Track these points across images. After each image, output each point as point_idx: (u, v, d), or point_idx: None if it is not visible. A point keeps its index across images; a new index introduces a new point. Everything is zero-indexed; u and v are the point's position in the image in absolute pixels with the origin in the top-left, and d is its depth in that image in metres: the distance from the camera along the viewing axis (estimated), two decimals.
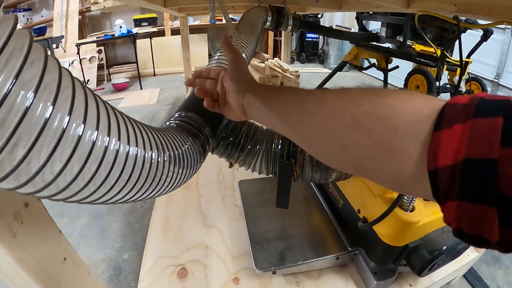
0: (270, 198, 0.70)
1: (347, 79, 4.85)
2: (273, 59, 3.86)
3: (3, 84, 0.25)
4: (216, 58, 0.88)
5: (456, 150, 0.27)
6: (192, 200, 1.18)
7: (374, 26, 3.19)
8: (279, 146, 0.67)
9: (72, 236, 1.69)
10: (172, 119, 0.60)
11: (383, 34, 2.76)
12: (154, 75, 5.38)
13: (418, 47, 2.48)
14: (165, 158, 0.44)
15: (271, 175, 0.72)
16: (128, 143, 0.37)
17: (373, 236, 0.76)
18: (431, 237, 0.74)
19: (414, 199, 0.68)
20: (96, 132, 0.32)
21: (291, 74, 2.72)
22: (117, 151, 0.35)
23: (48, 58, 0.29)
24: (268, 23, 1.64)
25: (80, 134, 0.30)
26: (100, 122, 0.33)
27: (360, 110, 0.34)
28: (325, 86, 3.41)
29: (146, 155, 0.40)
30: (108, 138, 0.33)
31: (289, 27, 1.77)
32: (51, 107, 0.28)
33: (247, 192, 1.14)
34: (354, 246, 0.88)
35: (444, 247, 0.72)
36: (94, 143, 0.32)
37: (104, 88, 4.81)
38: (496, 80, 3.26)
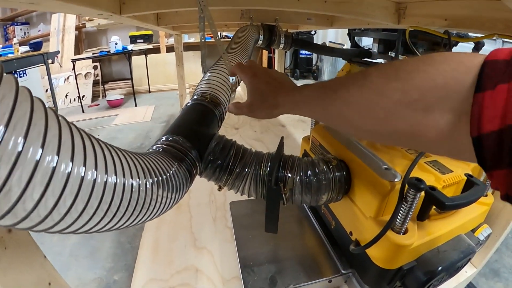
0: (262, 219, 0.69)
1: None
2: None
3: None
4: (206, 78, 0.88)
5: (502, 114, 0.25)
6: (183, 222, 1.16)
7: (367, 42, 3.23)
8: (268, 169, 0.66)
9: (62, 255, 1.66)
10: (159, 142, 0.59)
11: (375, 50, 2.80)
12: (149, 91, 5.40)
13: None
14: (150, 184, 0.43)
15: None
16: (106, 172, 0.36)
17: (366, 259, 0.75)
18: (426, 258, 0.72)
19: (408, 221, 0.67)
20: (71, 163, 0.31)
21: None
22: (94, 180, 0.34)
23: (19, 90, 0.28)
24: (260, 42, 1.65)
25: (54, 166, 0.29)
26: (75, 152, 0.32)
27: (390, 102, 0.35)
28: None
29: (126, 183, 0.39)
30: (84, 168, 0.32)
31: (281, 45, 1.78)
32: (22, 140, 0.27)
33: (238, 214, 1.12)
34: (347, 268, 0.87)
35: (440, 267, 0.70)
36: (69, 174, 0.30)
37: (99, 104, 4.82)
38: None
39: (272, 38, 1.70)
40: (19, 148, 0.26)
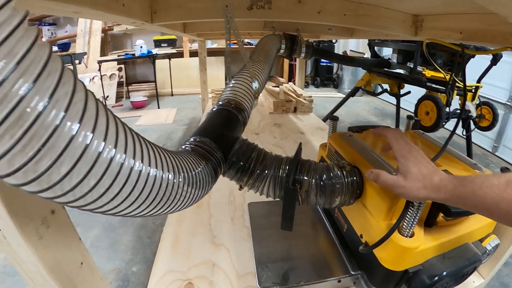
0: (278, 220, 0.74)
1: (361, 103, 4.90)
2: (287, 83, 3.93)
3: (37, 102, 0.27)
4: (231, 85, 0.94)
5: None
6: (203, 219, 1.22)
7: (387, 52, 3.25)
8: (286, 171, 0.72)
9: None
10: (187, 143, 0.65)
11: (394, 60, 2.82)
12: (172, 95, 5.51)
13: (429, 73, 2.53)
14: (180, 179, 0.49)
15: (278, 199, 0.77)
16: (149, 164, 0.41)
17: (374, 260, 0.79)
18: (432, 263, 0.76)
19: (414, 226, 0.71)
20: (125, 155, 0.36)
21: (305, 99, 2.78)
22: (140, 171, 0.39)
23: (77, 81, 0.33)
24: (282, 51, 1.70)
25: (112, 156, 0.34)
26: (127, 145, 0.37)
27: None
28: (338, 111, 3.46)
29: (163, 176, 0.44)
30: (133, 160, 0.38)
31: (302, 54, 1.83)
32: (77, 125, 0.31)
33: (256, 214, 1.18)
34: (356, 270, 0.91)
35: (445, 273, 0.74)
36: (122, 165, 0.36)
37: (122, 105, 4.95)
38: (509, 103, 3.25)
39: (294, 48, 1.75)
40: (57, 122, 0.29)
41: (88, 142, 0.32)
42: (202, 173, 0.57)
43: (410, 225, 0.71)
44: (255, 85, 0.95)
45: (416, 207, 0.66)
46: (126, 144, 0.37)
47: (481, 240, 0.85)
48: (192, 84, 5.57)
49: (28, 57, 0.27)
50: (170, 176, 0.46)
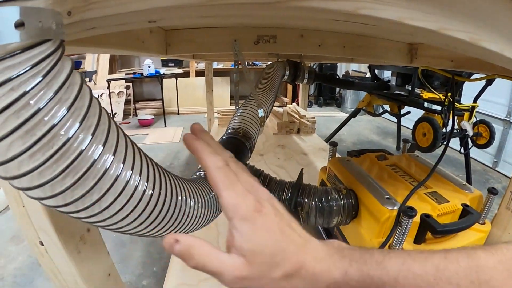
0: None
1: (363, 123, 4.98)
2: (291, 104, 4.02)
3: (69, 127, 0.30)
4: (238, 114, 1.03)
5: None
6: (211, 238, 1.30)
7: (388, 73, 3.34)
8: (288, 195, 0.81)
9: None
10: (201, 170, 0.74)
11: (394, 82, 2.91)
12: (178, 113, 5.59)
13: (426, 95, 2.62)
14: (198, 205, 0.57)
15: None
16: (172, 193, 0.46)
17: None
18: None
19: (402, 243, 0.80)
20: (146, 183, 0.40)
21: (308, 121, 2.87)
22: (158, 197, 0.42)
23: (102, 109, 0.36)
24: (286, 77, 1.79)
25: (136, 185, 0.38)
26: (142, 168, 0.41)
27: None
28: (341, 130, 3.55)
29: (187, 201, 0.50)
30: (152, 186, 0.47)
31: (305, 80, 1.91)
32: (101, 148, 0.33)
33: None
34: None
35: None
36: (144, 192, 0.39)
37: (130, 122, 5.05)
38: (508, 119, 3.30)
39: (297, 74, 1.83)
40: (70, 135, 0.30)
41: (127, 179, 0.37)
42: (215, 197, 0.65)
43: (399, 242, 0.79)
44: (261, 113, 1.04)
45: (403, 227, 0.75)
46: (148, 174, 0.43)
47: None
48: (198, 103, 5.68)
49: (77, 103, 0.31)
50: (191, 202, 0.54)
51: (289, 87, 6.19)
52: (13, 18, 0.26)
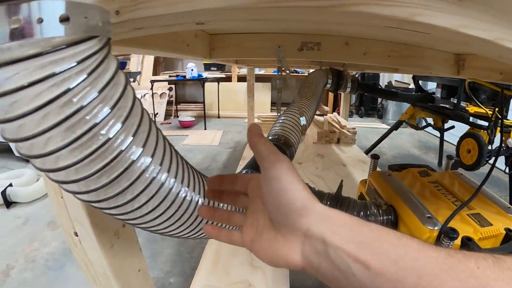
0: None
1: (404, 136, 4.84)
2: (332, 113, 3.97)
3: (110, 127, 0.30)
4: (280, 121, 1.02)
5: None
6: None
7: (432, 85, 3.23)
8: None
9: None
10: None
11: (438, 95, 2.80)
12: (218, 117, 5.66)
13: (472, 109, 2.50)
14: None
15: None
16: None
17: None
18: None
19: None
20: (181, 186, 0.41)
21: (349, 131, 2.82)
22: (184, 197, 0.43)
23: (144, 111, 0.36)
24: (328, 85, 1.77)
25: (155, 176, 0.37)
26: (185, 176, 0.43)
27: None
28: (381, 143, 3.47)
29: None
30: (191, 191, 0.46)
31: (348, 89, 1.88)
32: (147, 157, 0.34)
33: None
34: None
35: None
36: (184, 198, 0.42)
37: (170, 123, 5.16)
38: None
39: (340, 83, 1.80)
40: (111, 135, 0.30)
41: (163, 181, 0.38)
42: None
43: None
44: (303, 121, 1.03)
45: (446, 244, 0.71)
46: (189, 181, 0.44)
47: None
48: (238, 108, 5.71)
49: (120, 103, 0.31)
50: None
51: (330, 95, 6.12)
52: (58, 12, 0.26)
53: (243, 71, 5.78)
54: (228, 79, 5.98)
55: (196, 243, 1.96)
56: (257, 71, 5.61)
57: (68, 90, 0.27)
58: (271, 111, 5.71)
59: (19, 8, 0.24)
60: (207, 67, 5.98)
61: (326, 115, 3.39)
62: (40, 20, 0.25)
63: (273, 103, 5.92)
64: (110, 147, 0.31)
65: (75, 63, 0.27)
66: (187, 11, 0.34)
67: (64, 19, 0.27)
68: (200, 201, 0.45)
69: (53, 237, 2.02)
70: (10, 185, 2.37)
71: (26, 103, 0.26)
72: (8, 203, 2.33)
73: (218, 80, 5.47)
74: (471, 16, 0.35)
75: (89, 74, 0.28)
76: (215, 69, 6.00)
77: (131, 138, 0.32)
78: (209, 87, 5.51)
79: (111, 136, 0.30)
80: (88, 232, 0.58)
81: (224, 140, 4.21)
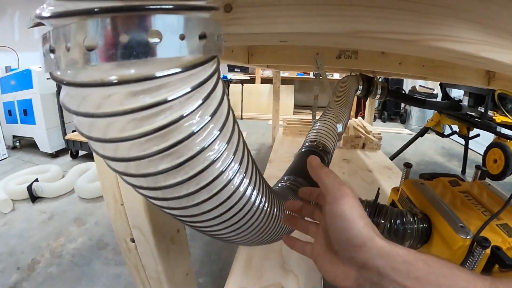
0: None
1: (428, 142, 4.78)
2: (356, 117, 3.96)
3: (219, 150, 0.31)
4: (316, 127, 1.04)
5: None
6: (275, 245, 1.31)
7: (457, 92, 3.20)
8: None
9: None
10: (282, 181, 0.77)
11: (465, 103, 2.78)
12: (242, 118, 5.68)
13: (499, 118, 2.48)
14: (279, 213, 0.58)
15: None
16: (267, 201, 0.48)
17: None
18: None
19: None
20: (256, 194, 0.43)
21: (374, 136, 2.82)
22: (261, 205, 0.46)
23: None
24: (359, 92, 1.78)
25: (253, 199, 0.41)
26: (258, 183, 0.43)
27: None
28: (406, 150, 3.45)
29: (270, 210, 0.52)
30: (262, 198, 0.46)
31: (378, 96, 1.87)
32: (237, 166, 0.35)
33: None
34: None
35: None
36: (249, 199, 0.41)
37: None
38: None
39: (370, 89, 1.80)
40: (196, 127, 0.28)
41: (249, 195, 0.39)
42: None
43: None
44: (340, 128, 1.05)
45: (476, 257, 0.73)
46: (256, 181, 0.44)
47: None
48: (261, 110, 5.75)
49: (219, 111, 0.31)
50: (279, 212, 0.56)
51: (354, 100, 6.07)
52: (198, 30, 0.25)
53: (267, 73, 5.80)
54: (252, 80, 6.01)
55: (224, 244, 1.98)
56: (281, 74, 5.63)
57: (182, 117, 0.26)
58: (294, 114, 5.72)
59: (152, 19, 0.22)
60: (231, 69, 6.01)
61: (350, 119, 3.39)
62: (182, 37, 0.24)
63: (296, 106, 5.93)
64: (213, 170, 0.32)
65: (193, 87, 0.26)
66: (285, 32, 0.36)
67: (202, 36, 0.25)
68: (268, 211, 0.47)
69: (79, 233, 2.05)
70: (36, 180, 2.42)
71: (133, 127, 0.26)
72: (34, 198, 2.38)
73: (242, 81, 5.50)
74: None
75: (205, 99, 0.28)
76: (239, 70, 6.03)
77: (232, 156, 0.33)
78: (233, 88, 5.55)
79: (216, 157, 0.31)
80: (147, 238, 0.61)
81: (248, 141, 4.20)
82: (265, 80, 5.90)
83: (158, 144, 0.27)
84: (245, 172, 0.37)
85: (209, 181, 0.32)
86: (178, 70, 0.25)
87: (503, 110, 2.21)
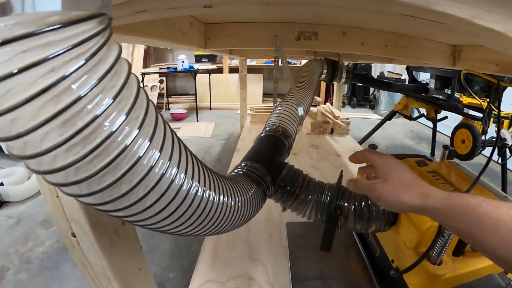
0: (314, 241, 0.80)
1: (397, 126, 4.86)
2: (324, 103, 3.96)
3: (114, 119, 0.28)
4: (277, 111, 1.00)
5: None
6: (242, 235, 1.29)
7: (425, 76, 3.24)
8: (328, 197, 0.78)
9: None
10: (239, 167, 0.73)
11: (432, 85, 2.81)
12: (210, 109, 5.64)
13: (466, 100, 2.52)
14: (238, 203, 0.55)
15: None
16: (210, 188, 0.44)
17: (403, 285, 0.83)
18: None
19: (442, 255, 0.75)
20: (191, 181, 0.39)
21: (342, 121, 2.82)
22: (202, 196, 0.42)
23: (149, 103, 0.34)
24: (323, 75, 1.75)
25: (175, 180, 0.36)
26: (188, 170, 0.39)
27: None
28: (374, 133, 3.48)
29: (223, 200, 0.49)
30: (196, 183, 0.40)
31: (343, 80, 1.87)
32: (148, 143, 0.31)
33: (293, 234, 1.24)
34: None
35: None
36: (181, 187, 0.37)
37: (162, 116, 5.11)
38: None
39: (335, 73, 1.79)
40: (114, 128, 0.28)
41: (172, 178, 0.36)
42: (254, 196, 0.63)
43: (439, 253, 0.75)
44: (301, 111, 1.02)
45: (445, 237, 0.71)
46: (190, 169, 0.41)
47: (506, 272, 0.87)
48: (230, 99, 5.70)
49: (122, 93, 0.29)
50: (231, 201, 0.52)
51: (322, 86, 6.12)
52: None
53: (235, 62, 5.75)
54: (219, 70, 5.94)
55: (193, 236, 1.94)
56: (249, 62, 5.58)
57: (65, 76, 0.24)
58: (263, 102, 5.69)
59: None
60: (198, 59, 5.93)
61: (318, 105, 3.38)
62: None
63: (264, 94, 5.91)
64: (114, 141, 0.28)
65: (71, 46, 0.24)
66: None
67: None
68: (211, 198, 0.44)
69: (47, 235, 2.01)
70: (1, 184, 2.33)
71: (18, 92, 0.23)
72: (0, 203, 2.30)
73: (210, 71, 5.43)
74: (484, 7, 0.35)
75: (88, 59, 0.25)
76: (207, 60, 5.96)
77: (137, 131, 0.30)
78: (201, 78, 5.47)
79: (115, 128, 0.28)
80: (87, 232, 0.57)
81: (216, 132, 4.20)
82: (233, 70, 5.84)
83: (50, 111, 0.24)
84: (170, 159, 0.34)
85: (113, 157, 0.28)
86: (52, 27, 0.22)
87: (470, 91, 2.24)
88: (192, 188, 0.39)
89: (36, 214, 2.24)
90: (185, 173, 0.37)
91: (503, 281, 0.83)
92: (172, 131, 0.38)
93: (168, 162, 0.34)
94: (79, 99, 0.25)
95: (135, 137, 0.29)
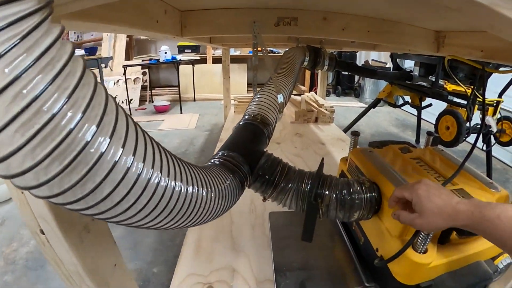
0: (297, 231, 0.78)
1: (382, 114, 4.88)
2: (309, 92, 3.94)
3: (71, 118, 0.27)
4: (256, 99, 0.98)
5: None
6: (224, 226, 1.27)
7: (409, 63, 3.24)
8: (308, 186, 0.76)
9: None
10: (216, 157, 0.70)
11: (416, 73, 2.81)
12: (194, 100, 5.59)
13: (450, 87, 2.52)
14: (212, 195, 0.53)
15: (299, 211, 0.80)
16: (181, 180, 0.43)
17: (388, 273, 0.82)
18: (443, 279, 0.79)
19: (427, 242, 0.74)
20: (160, 174, 0.38)
21: (326, 110, 2.81)
22: (173, 189, 0.41)
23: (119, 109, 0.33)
24: (305, 63, 1.73)
25: (141, 174, 0.35)
26: (155, 161, 0.38)
27: None
28: (359, 121, 3.47)
29: (197, 191, 0.47)
30: (167, 178, 0.40)
31: (325, 67, 1.85)
32: (108, 140, 0.30)
33: (276, 224, 1.22)
34: (370, 282, 0.94)
35: None
36: (150, 181, 0.36)
37: (146, 108, 5.04)
38: None
39: (317, 60, 1.77)
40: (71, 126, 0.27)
41: (139, 171, 0.35)
42: (230, 186, 0.61)
43: (424, 241, 0.74)
44: (281, 99, 0.99)
45: None
46: (160, 164, 0.40)
47: (494, 259, 0.87)
48: (214, 90, 5.65)
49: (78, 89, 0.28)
50: (203, 192, 0.50)
51: (307, 75, 6.10)
52: None
53: (218, 52, 5.68)
54: (203, 61, 5.87)
55: (177, 229, 1.92)
56: (232, 52, 5.53)
57: None
58: (247, 92, 5.65)
59: None
60: (181, 50, 5.85)
61: (303, 94, 3.36)
62: None
63: (249, 84, 5.87)
64: (57, 127, 0.27)
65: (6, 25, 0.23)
66: None
67: None
68: (183, 190, 0.42)
69: (31, 236, 1.94)
70: None
71: None
72: None
73: (193, 62, 5.36)
74: None
75: (22, 38, 0.24)
76: (190, 51, 5.88)
77: (80, 115, 0.28)
78: (184, 69, 5.40)
79: (55, 111, 0.26)
80: (54, 229, 0.54)
81: (200, 123, 4.16)
82: (217, 60, 5.77)
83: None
84: (123, 147, 0.32)
85: (57, 143, 0.27)
86: None
87: (455, 78, 2.24)
88: (153, 177, 0.37)
89: (18, 214, 2.17)
90: (143, 162, 0.35)
91: (490, 268, 0.83)
92: (136, 125, 0.37)
93: (121, 149, 0.32)
94: (14, 81, 0.23)
95: (78, 121, 0.28)
